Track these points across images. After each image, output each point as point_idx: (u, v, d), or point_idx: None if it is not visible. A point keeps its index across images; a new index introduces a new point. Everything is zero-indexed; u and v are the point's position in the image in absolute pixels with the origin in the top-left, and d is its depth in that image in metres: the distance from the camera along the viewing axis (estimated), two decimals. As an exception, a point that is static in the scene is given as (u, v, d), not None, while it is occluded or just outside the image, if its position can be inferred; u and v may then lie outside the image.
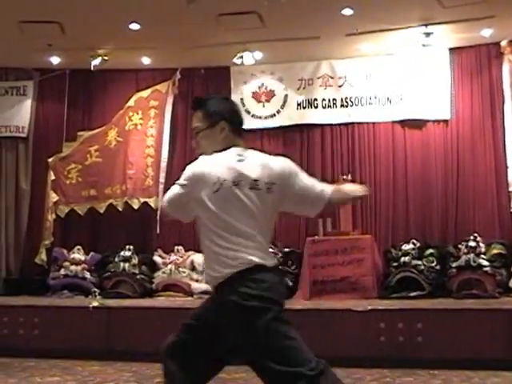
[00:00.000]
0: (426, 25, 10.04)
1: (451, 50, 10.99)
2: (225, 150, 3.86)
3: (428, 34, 10.11)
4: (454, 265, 9.94)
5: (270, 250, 3.79)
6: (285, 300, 3.63)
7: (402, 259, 10.26)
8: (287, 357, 3.40)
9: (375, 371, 7.17)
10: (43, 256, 11.43)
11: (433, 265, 10.16)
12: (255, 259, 3.58)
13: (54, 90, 12.10)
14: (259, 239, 3.66)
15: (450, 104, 11.00)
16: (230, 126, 3.93)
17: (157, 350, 7.94)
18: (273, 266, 3.67)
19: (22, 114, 11.94)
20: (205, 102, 3.96)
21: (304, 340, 3.52)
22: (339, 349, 7.40)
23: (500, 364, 7.16)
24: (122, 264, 10.92)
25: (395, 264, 10.33)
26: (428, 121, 11.14)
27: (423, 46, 10.27)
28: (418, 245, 10.40)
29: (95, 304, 8.79)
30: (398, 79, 11.12)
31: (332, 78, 11.40)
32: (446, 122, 11.07)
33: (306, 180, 3.91)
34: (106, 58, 11.02)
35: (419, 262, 10.17)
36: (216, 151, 3.85)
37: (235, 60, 10.90)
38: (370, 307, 7.87)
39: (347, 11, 9.66)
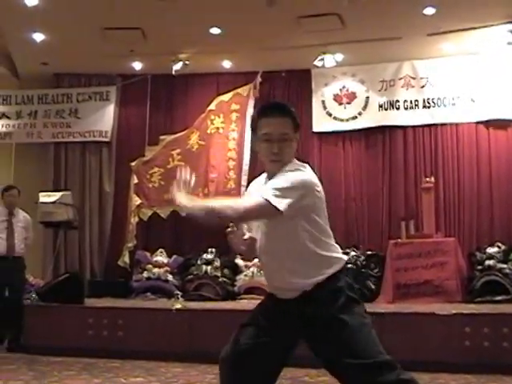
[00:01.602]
0: (511, 22, 9.82)
1: (537, 47, 10.73)
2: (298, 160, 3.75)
3: (513, 32, 9.90)
4: (539, 268, 9.75)
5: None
6: None
7: (487, 262, 10.09)
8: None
9: (460, 376, 7.04)
10: (126, 259, 11.59)
11: (518, 268, 9.96)
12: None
13: (136, 95, 12.26)
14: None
15: (536, 103, 10.76)
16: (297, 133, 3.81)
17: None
18: None
19: (105, 118, 12.16)
20: (291, 110, 3.75)
21: (387, 343, 3.51)
22: (423, 353, 7.30)
23: None
24: (204, 267, 11.01)
25: (480, 267, 10.17)
26: (513, 121, 10.93)
27: (508, 43, 10.04)
28: (503, 248, 10.23)
29: (178, 306, 8.84)
30: (481, 79, 10.92)
31: (414, 78, 11.26)
32: (531, 121, 10.85)
33: None
34: (187, 62, 11.12)
35: (504, 266, 10.00)
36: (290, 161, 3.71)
37: (316, 62, 10.88)
38: (454, 311, 7.73)
39: (429, 10, 9.54)
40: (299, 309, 3.55)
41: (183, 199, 3.52)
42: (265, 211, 3.47)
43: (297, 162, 3.73)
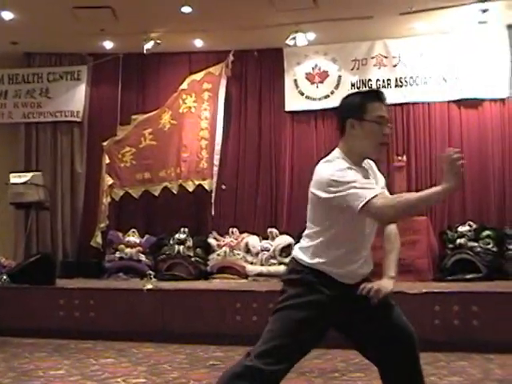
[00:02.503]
0: (483, 1, 9.82)
1: (509, 26, 10.70)
2: None
3: (484, 11, 9.86)
4: (510, 246, 9.83)
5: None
6: None
7: (458, 241, 10.17)
8: None
9: (429, 355, 7.03)
10: (99, 239, 11.56)
11: (489, 247, 10.04)
12: None
13: (107, 75, 12.17)
14: None
15: (508, 82, 10.76)
16: None
17: (211, 332, 8.02)
18: None
19: (77, 98, 12.07)
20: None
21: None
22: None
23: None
24: (176, 246, 11.00)
25: (451, 246, 10.24)
26: (484, 100, 10.95)
27: (479, 23, 10.04)
28: (475, 226, 10.30)
29: (149, 286, 8.84)
30: (453, 58, 10.92)
31: (386, 57, 11.25)
32: (503, 100, 10.87)
33: None
34: (158, 41, 11.04)
35: (475, 244, 10.06)
36: None
37: (288, 41, 10.82)
38: (424, 290, 7.80)
39: (401, -11, 9.53)
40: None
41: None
42: None
43: None
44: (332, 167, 3.62)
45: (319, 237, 3.70)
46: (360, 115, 3.70)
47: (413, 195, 3.54)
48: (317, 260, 3.68)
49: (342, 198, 3.50)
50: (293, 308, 3.59)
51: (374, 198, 3.43)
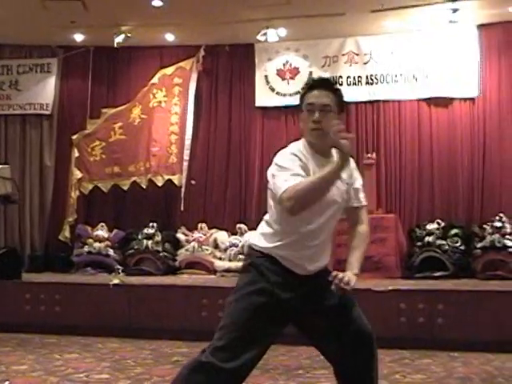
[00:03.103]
0: (453, 0, 9.85)
1: (479, 26, 10.78)
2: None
3: (455, 10, 9.92)
4: (478, 245, 9.88)
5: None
6: None
7: (426, 239, 10.20)
8: None
9: (394, 352, 7.11)
10: (67, 233, 11.50)
11: (457, 245, 10.09)
12: None
13: (78, 67, 12.08)
14: None
15: (478, 82, 10.82)
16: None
17: (177, 327, 7.99)
18: None
19: (46, 91, 11.98)
20: (336, 87, 3.91)
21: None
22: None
23: (521, 346, 7.07)
24: (145, 241, 10.95)
25: (419, 244, 10.28)
26: (454, 99, 10.98)
27: (450, 22, 10.10)
28: (443, 224, 10.34)
29: (115, 281, 8.79)
30: (424, 56, 10.96)
31: (357, 54, 11.27)
32: (472, 100, 10.92)
33: None
34: (129, 34, 10.99)
35: (443, 242, 10.11)
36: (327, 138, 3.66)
37: (259, 37, 10.83)
38: (390, 287, 7.80)
39: (372, -13, 9.54)
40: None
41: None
42: None
43: None
44: (283, 150, 3.73)
45: (273, 222, 3.72)
46: (300, 105, 3.90)
47: (308, 179, 3.53)
48: (270, 244, 3.70)
49: (273, 184, 3.59)
50: (242, 298, 3.61)
51: (283, 192, 3.46)
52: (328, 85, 3.87)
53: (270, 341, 3.66)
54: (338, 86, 3.96)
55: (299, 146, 3.77)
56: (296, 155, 3.65)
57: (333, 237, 3.97)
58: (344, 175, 3.72)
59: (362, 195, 3.88)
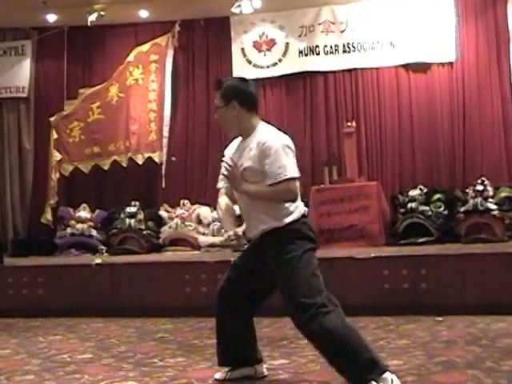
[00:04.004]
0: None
1: (454, -12, 10.73)
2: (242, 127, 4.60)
3: (429, -27, 9.87)
4: (461, 209, 9.86)
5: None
6: None
7: (409, 205, 10.20)
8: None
9: (379, 319, 7.08)
10: (49, 216, 11.46)
11: (440, 210, 10.09)
12: None
13: (52, 49, 11.99)
14: None
15: (455, 46, 10.78)
16: (241, 106, 4.53)
17: (161, 304, 7.96)
18: None
19: (22, 74, 11.90)
20: (222, 83, 4.62)
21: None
22: (342, 297, 7.29)
23: (506, 309, 7.02)
24: (128, 220, 10.92)
25: (402, 210, 10.27)
26: (432, 64, 10.95)
27: (425, -14, 10.04)
28: (425, 190, 10.33)
29: (98, 261, 8.73)
30: (400, 22, 10.93)
31: (333, 23, 11.19)
32: (451, 64, 10.90)
33: None
34: (102, 13, 10.90)
35: (426, 208, 10.11)
36: (232, 127, 4.65)
37: (234, 9, 10.76)
38: (373, 254, 7.75)
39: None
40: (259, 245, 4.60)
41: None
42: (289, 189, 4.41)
43: (262, 127, 4.59)
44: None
45: None
46: None
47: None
48: None
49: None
50: None
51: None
52: (215, 86, 4.70)
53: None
54: (224, 80, 4.70)
55: None
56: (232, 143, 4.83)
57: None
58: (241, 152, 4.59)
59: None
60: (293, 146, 4.48)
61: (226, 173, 4.45)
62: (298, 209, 4.49)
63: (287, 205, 4.44)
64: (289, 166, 4.34)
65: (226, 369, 4.90)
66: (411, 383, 4.54)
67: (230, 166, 4.44)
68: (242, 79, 4.81)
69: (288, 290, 4.35)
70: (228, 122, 4.63)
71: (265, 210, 4.48)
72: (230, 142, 4.69)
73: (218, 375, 4.91)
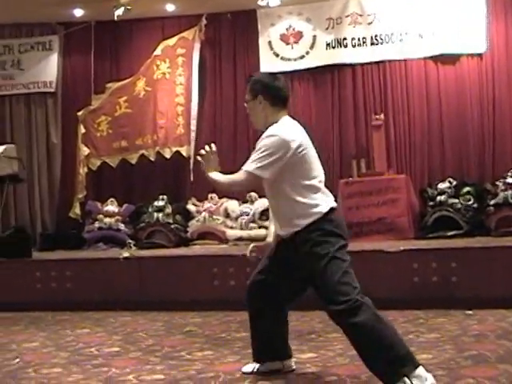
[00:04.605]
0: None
1: (484, -20, 10.60)
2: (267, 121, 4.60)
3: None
4: (491, 202, 9.78)
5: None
6: None
7: (438, 198, 10.12)
8: None
9: (408, 313, 7.03)
10: (77, 210, 11.48)
11: (470, 203, 10.00)
12: None
13: (79, 43, 12.01)
14: None
15: (485, 37, 10.65)
16: (266, 100, 4.60)
17: (189, 298, 7.95)
18: None
19: (49, 69, 11.92)
20: (251, 77, 4.85)
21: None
22: (371, 291, 7.21)
23: (537, 302, 6.97)
24: (155, 214, 10.93)
25: (431, 203, 10.20)
26: (462, 55, 10.82)
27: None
28: (455, 183, 10.25)
29: (126, 255, 8.74)
30: (429, 13, 10.79)
31: (361, 15, 11.10)
32: (480, 55, 10.76)
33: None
34: (129, 7, 10.87)
35: (456, 201, 10.02)
36: (259, 122, 4.69)
37: (260, 2, 10.74)
38: (402, 248, 7.69)
39: None
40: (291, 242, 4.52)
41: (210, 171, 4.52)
42: (253, 181, 4.50)
43: (278, 122, 4.55)
44: None
45: None
46: None
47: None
48: None
49: None
50: None
51: None
52: (246, 80, 4.94)
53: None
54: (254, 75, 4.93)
55: None
56: None
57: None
58: None
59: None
60: (294, 144, 4.41)
61: (201, 153, 4.53)
62: (325, 204, 4.44)
63: (313, 202, 4.41)
64: (253, 160, 4.39)
65: (254, 363, 4.87)
66: (441, 377, 4.47)
67: (207, 150, 4.51)
68: (270, 74, 4.88)
69: (322, 288, 4.32)
70: (255, 116, 4.71)
71: (291, 208, 4.45)
72: (260, 136, 4.56)
73: (245, 368, 4.91)
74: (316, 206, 4.41)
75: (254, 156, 4.39)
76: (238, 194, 11.04)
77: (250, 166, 4.37)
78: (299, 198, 4.42)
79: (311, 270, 4.37)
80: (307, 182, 4.44)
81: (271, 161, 4.36)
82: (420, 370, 4.09)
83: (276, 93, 4.61)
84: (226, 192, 4.03)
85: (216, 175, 4.51)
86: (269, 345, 4.83)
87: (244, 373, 4.86)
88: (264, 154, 4.36)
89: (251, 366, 4.87)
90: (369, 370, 4.24)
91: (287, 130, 4.47)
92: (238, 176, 4.45)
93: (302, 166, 4.45)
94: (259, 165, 4.34)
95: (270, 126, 4.54)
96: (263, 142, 4.41)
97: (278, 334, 4.84)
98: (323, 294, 4.32)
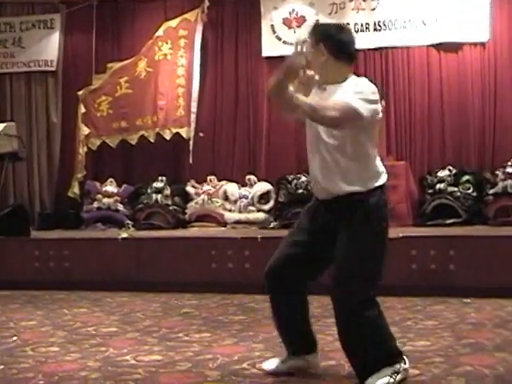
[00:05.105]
0: None
1: (488, -33, 10.55)
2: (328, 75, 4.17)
3: (463, -49, 9.71)
4: (490, 191, 9.76)
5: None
6: None
7: (438, 186, 10.10)
8: None
9: (406, 299, 7.05)
10: (76, 189, 11.45)
11: (469, 191, 9.98)
12: None
13: (81, 23, 11.93)
14: None
15: (488, 26, 10.59)
16: (329, 53, 4.12)
17: (187, 280, 7.96)
18: None
19: (50, 47, 11.86)
20: (313, 24, 4.38)
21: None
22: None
23: (535, 291, 6.99)
24: (154, 195, 10.91)
25: (431, 191, 10.18)
26: (464, 44, 10.76)
27: (458, -37, 9.87)
28: (454, 171, 10.22)
29: (124, 235, 8.76)
30: (433, 1, 10.72)
31: (364, 1, 11.01)
32: (483, 44, 10.69)
33: None
34: (132, -12, 10.82)
35: (455, 189, 10.00)
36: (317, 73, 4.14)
37: (264, -15, 10.66)
38: (401, 234, 7.69)
39: None
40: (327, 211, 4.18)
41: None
42: (345, 120, 3.89)
43: (353, 78, 4.21)
44: None
45: None
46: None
47: None
48: None
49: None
50: None
51: None
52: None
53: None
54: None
55: None
56: None
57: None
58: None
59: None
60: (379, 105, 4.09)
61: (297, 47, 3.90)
62: (383, 174, 4.17)
63: (379, 169, 4.13)
64: (357, 98, 3.88)
65: (276, 358, 4.57)
66: (439, 364, 4.50)
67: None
68: (338, 25, 4.58)
69: (347, 269, 4.02)
70: (315, 67, 4.11)
71: (348, 167, 4.04)
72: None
73: (266, 365, 4.57)
74: (380, 173, 4.14)
75: (356, 95, 3.89)
76: (237, 176, 11.06)
77: (355, 101, 3.86)
78: (370, 159, 4.10)
79: (348, 245, 4.02)
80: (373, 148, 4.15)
81: (373, 108, 3.96)
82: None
83: (341, 46, 4.17)
84: (313, 117, 3.37)
85: (302, 98, 3.96)
86: (296, 335, 4.48)
87: (265, 370, 4.52)
88: (367, 97, 3.91)
89: (273, 363, 4.54)
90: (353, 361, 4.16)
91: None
92: (335, 105, 3.88)
93: (373, 130, 4.17)
94: (366, 105, 3.88)
95: (331, 80, 4.14)
96: (364, 88, 3.99)
97: (305, 321, 4.49)
98: (346, 275, 4.03)
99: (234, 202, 10.72)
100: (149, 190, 11.02)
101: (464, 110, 10.68)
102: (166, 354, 5.00)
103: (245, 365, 4.68)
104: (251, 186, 10.72)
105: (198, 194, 10.93)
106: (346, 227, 4.04)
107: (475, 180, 10.11)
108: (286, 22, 11.34)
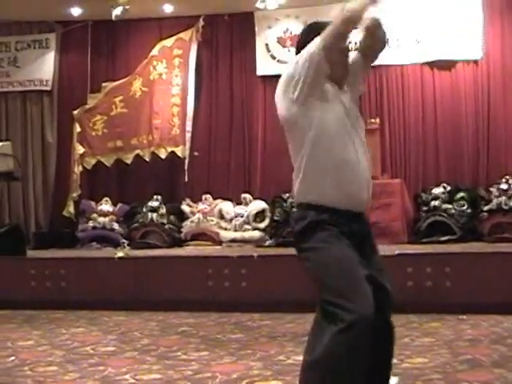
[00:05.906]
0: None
1: (481, -14, 10.65)
2: None
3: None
4: (485, 208, 9.83)
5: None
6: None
7: (433, 203, 10.15)
8: None
9: (402, 316, 7.00)
10: (71, 209, 11.46)
11: (464, 208, 10.02)
12: None
13: (76, 42, 12.01)
14: None
15: (481, 44, 10.69)
16: None
17: (183, 298, 7.95)
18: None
19: (46, 67, 11.93)
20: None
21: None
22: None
23: (531, 308, 7.01)
24: (150, 214, 10.93)
25: (425, 208, 10.23)
26: (458, 61, 10.86)
27: (451, -16, 9.96)
28: (449, 188, 10.28)
29: (120, 254, 8.76)
30: (426, 19, 10.82)
31: (358, 20, 11.09)
32: (476, 62, 10.80)
33: None
34: (127, 7, 10.84)
35: (450, 206, 10.05)
36: None
37: (258, 4, 10.72)
38: (397, 252, 7.73)
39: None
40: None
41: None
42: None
43: None
44: None
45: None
46: None
47: None
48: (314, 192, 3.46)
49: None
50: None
51: None
52: None
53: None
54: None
55: None
56: None
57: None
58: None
59: None
60: None
61: None
62: None
63: None
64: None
65: None
66: (437, 381, 4.51)
67: None
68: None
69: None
70: None
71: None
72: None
73: None
74: None
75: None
76: (232, 194, 11.10)
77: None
78: None
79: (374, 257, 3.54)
80: None
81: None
82: None
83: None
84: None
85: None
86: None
87: None
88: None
89: None
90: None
91: None
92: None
93: None
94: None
95: None
96: None
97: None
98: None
99: (230, 221, 10.75)
100: (144, 209, 11.04)
101: (458, 127, 10.77)
102: (165, 373, 5.00)
103: (244, 383, 4.68)
104: (246, 204, 10.76)
105: (193, 213, 10.96)
106: (371, 240, 3.58)
107: (470, 197, 10.16)
108: (281, 41, 11.43)
